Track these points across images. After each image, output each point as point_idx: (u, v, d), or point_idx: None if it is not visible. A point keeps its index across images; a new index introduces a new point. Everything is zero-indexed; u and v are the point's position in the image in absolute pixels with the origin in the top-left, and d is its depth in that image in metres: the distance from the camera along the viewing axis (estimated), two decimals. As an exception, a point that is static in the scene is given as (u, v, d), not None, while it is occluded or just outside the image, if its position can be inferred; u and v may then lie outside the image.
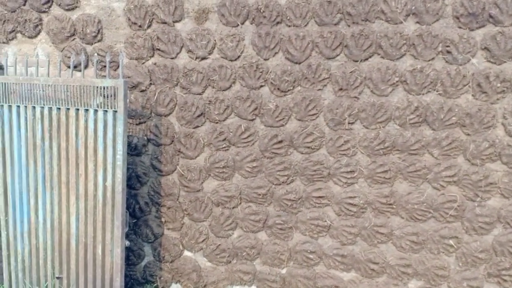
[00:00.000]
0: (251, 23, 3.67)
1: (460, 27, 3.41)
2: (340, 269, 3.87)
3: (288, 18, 3.59)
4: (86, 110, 3.41)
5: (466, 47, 3.40)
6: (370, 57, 3.56)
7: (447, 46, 3.42)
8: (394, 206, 3.71)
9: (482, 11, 3.34)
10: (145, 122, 3.94)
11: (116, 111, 3.34)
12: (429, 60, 3.48)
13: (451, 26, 3.42)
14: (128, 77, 3.89)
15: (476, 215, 3.60)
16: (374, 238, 3.78)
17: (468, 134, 3.52)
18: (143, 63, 3.88)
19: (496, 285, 3.67)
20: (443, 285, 3.74)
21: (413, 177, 3.65)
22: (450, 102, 3.50)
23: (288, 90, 3.70)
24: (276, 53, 3.67)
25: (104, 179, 3.43)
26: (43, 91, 3.49)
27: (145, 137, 3.97)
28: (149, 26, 3.82)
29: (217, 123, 3.84)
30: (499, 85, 3.40)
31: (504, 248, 3.59)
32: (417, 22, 3.46)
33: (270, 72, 3.69)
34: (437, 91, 3.51)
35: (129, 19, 3.83)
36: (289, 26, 3.61)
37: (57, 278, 3.65)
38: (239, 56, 3.72)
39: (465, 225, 3.63)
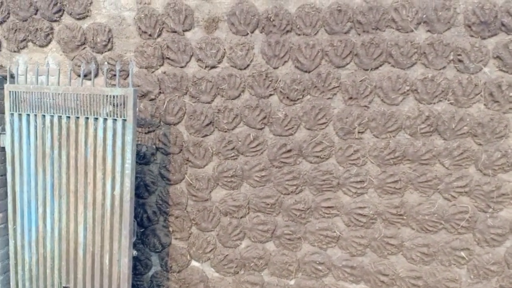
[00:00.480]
0: (261, 32, 3.64)
1: (472, 36, 3.36)
2: (349, 280, 3.79)
3: (298, 26, 3.55)
4: (96, 119, 3.38)
5: (478, 56, 3.34)
6: (380, 65, 3.51)
7: (459, 55, 3.37)
8: (405, 217, 3.63)
9: (494, 19, 3.29)
10: (154, 130, 3.91)
11: (125, 120, 3.30)
12: (440, 69, 3.43)
13: (462, 35, 3.37)
14: (138, 86, 3.86)
15: (488, 226, 3.51)
16: (384, 249, 3.70)
17: (480, 144, 3.44)
18: (153, 72, 3.85)
19: (509, 298, 3.57)
20: (455, 298, 3.65)
21: (424, 188, 3.57)
22: (462, 112, 3.43)
23: (298, 99, 3.65)
24: (285, 61, 3.63)
25: (113, 188, 3.38)
26: (53, 99, 3.47)
27: (154, 146, 3.93)
28: (159, 35, 3.80)
29: (225, 132, 3.80)
30: (511, 94, 3.33)
31: (517, 260, 3.51)
32: (428, 31, 3.41)
33: (280, 81, 3.65)
34: (448, 100, 3.45)
35: (139, 28, 3.81)
36: (299, 34, 3.57)
37: (64, 287, 3.60)
38: (248, 65, 3.68)
39: (477, 236, 3.55)
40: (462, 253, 3.58)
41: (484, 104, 3.42)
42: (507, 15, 3.27)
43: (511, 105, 3.36)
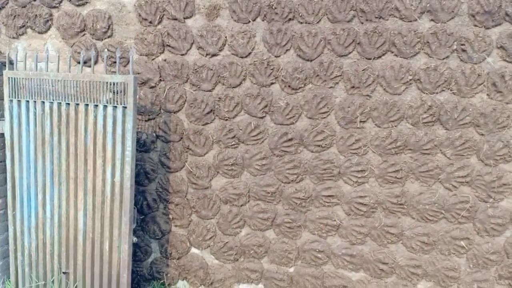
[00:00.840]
0: (263, 20, 3.59)
1: (475, 25, 3.32)
2: (348, 268, 3.80)
3: (300, 14, 3.51)
4: (96, 106, 3.36)
5: (481, 46, 3.31)
6: (383, 55, 3.47)
7: (462, 45, 3.33)
8: (405, 206, 3.63)
9: (499, 9, 3.24)
10: (154, 118, 3.88)
11: (125, 107, 3.28)
12: (443, 59, 3.39)
13: (466, 24, 3.33)
14: (138, 73, 3.83)
15: (489, 216, 3.51)
16: (384, 238, 3.70)
17: (482, 134, 3.43)
18: (153, 59, 3.82)
19: (507, 287, 3.58)
20: (453, 287, 3.67)
21: (425, 177, 3.57)
22: (464, 102, 3.41)
23: (299, 88, 3.62)
24: (287, 50, 3.59)
25: (113, 175, 3.37)
26: (52, 86, 3.44)
27: (154, 134, 3.91)
28: (159, 22, 3.76)
29: (226, 120, 3.78)
30: (515, 84, 3.32)
31: (516, 250, 3.51)
32: (432, 20, 3.36)
33: (281, 69, 3.61)
34: (451, 90, 3.42)
35: (139, 15, 3.76)
36: (301, 23, 3.53)
37: (64, 273, 3.61)
38: (250, 53, 3.65)
39: (477, 226, 3.55)
40: (462, 243, 3.59)
41: (487, 94, 3.39)
42: (511, 5, 3.23)
43: (514, 96, 3.35)
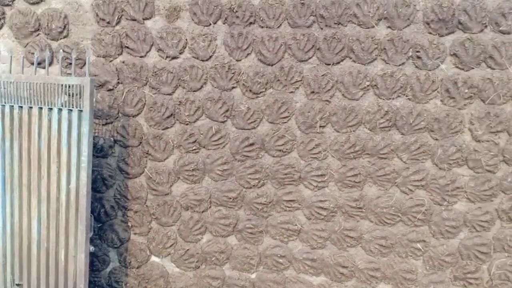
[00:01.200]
0: (224, 23, 3.59)
1: (430, 33, 3.43)
2: (309, 273, 3.82)
3: (261, 19, 3.52)
4: (50, 109, 3.26)
5: (435, 53, 3.42)
6: (342, 60, 3.53)
7: (417, 51, 3.44)
8: (364, 210, 3.69)
9: (452, 17, 3.37)
10: (112, 122, 3.79)
11: (81, 111, 3.20)
12: (399, 65, 3.49)
13: (421, 32, 3.44)
14: (95, 75, 3.73)
15: (443, 219, 3.62)
16: (344, 242, 3.75)
17: (436, 139, 3.54)
18: (111, 61, 3.73)
19: (462, 288, 3.70)
20: (411, 289, 3.75)
21: (382, 181, 3.64)
22: (419, 107, 3.51)
23: (260, 92, 3.63)
24: (248, 54, 3.60)
25: (68, 182, 3.27)
26: (4, 88, 3.31)
27: (112, 138, 3.81)
28: (117, 23, 3.68)
29: (187, 124, 3.73)
30: (466, 91, 3.44)
31: (469, 251, 3.62)
32: (389, 27, 3.46)
33: (242, 73, 3.61)
34: (406, 96, 3.52)
35: (97, 15, 3.68)
36: (262, 27, 3.55)
37: (17, 285, 3.45)
38: (210, 56, 3.63)
39: (432, 229, 3.65)
40: (418, 245, 3.67)
41: (441, 100, 3.51)
42: (464, 14, 3.36)
43: (466, 102, 3.47)
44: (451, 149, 3.52)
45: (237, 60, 3.61)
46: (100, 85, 3.75)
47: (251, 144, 3.69)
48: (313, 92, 3.57)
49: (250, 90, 3.62)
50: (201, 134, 3.71)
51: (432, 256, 3.68)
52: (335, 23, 3.48)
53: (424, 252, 3.69)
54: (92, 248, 3.44)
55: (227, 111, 3.67)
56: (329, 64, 3.54)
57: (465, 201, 3.59)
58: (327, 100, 3.58)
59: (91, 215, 3.41)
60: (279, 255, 3.81)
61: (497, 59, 3.39)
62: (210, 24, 3.59)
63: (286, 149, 3.68)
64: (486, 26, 3.39)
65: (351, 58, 3.52)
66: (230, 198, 3.77)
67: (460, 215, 3.60)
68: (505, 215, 3.57)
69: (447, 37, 3.43)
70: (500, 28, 3.37)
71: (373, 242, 3.71)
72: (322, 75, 3.53)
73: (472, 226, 3.60)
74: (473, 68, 3.43)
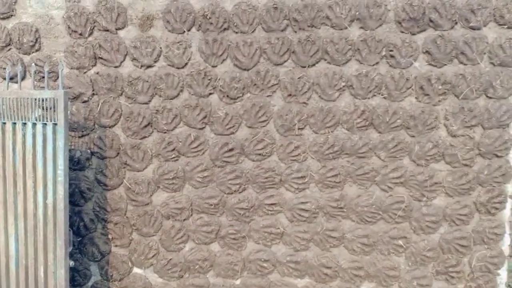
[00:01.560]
0: (198, 30, 3.59)
1: (402, 32, 3.51)
2: (294, 276, 3.83)
3: (235, 24, 3.54)
4: (24, 124, 3.20)
5: (408, 51, 3.50)
6: (317, 62, 3.58)
7: (391, 51, 3.51)
8: (345, 210, 3.73)
9: (423, 15, 3.45)
10: (88, 134, 3.74)
11: (56, 124, 3.15)
12: (373, 65, 3.55)
13: (393, 31, 3.51)
14: (69, 88, 3.68)
15: (423, 214, 3.68)
16: (327, 242, 3.77)
17: (413, 136, 3.61)
18: (85, 72, 3.69)
19: (444, 282, 3.76)
20: (394, 285, 3.79)
21: (362, 180, 3.69)
22: (395, 105, 3.58)
23: (238, 97, 3.64)
24: (224, 60, 3.61)
25: (45, 197, 3.21)
26: (-25, 104, 3.24)
27: (89, 150, 3.76)
28: (90, 34, 3.65)
29: (165, 133, 3.71)
30: (440, 87, 3.52)
31: (450, 245, 3.70)
32: (361, 28, 3.52)
33: (219, 79, 3.62)
34: (382, 95, 3.58)
35: (69, 27, 3.63)
36: (237, 32, 3.57)
37: (-5, 305, 3.37)
38: (186, 64, 3.62)
39: (413, 225, 3.71)
40: (400, 242, 3.73)
41: (416, 98, 3.58)
42: (434, 11, 3.45)
43: (440, 98, 3.55)
44: (427, 145, 3.59)
45: (213, 66, 3.62)
46: (75, 97, 3.70)
47: (231, 150, 3.69)
48: (290, 95, 3.60)
49: (227, 96, 3.63)
50: (180, 141, 3.70)
51: (414, 252, 3.74)
52: (308, 26, 3.52)
53: (406, 249, 3.74)
54: (72, 263, 3.38)
55: (205, 117, 3.66)
56: (305, 67, 3.58)
57: (444, 195, 3.67)
58: (304, 102, 3.62)
59: (69, 230, 3.36)
60: (263, 260, 3.81)
61: (468, 54, 3.49)
62: (184, 31, 3.59)
63: (266, 153, 3.69)
64: (456, 23, 3.49)
65: (326, 60, 3.57)
66: (212, 205, 3.77)
67: (439, 210, 3.68)
68: (483, 208, 3.65)
69: (419, 35, 3.51)
70: (470, 24, 3.47)
71: (356, 241, 3.75)
72: (298, 78, 3.57)
73: (451, 220, 3.68)
74: (445, 64, 3.52)
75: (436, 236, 3.72)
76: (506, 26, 3.47)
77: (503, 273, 3.75)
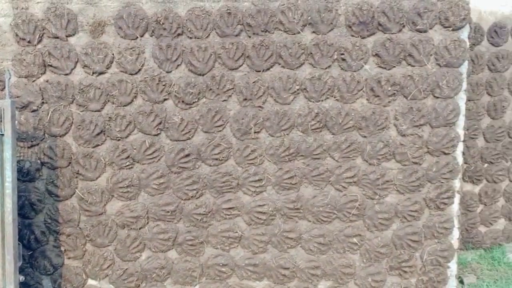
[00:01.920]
0: (151, 35, 3.61)
1: (352, 36, 3.70)
2: (252, 278, 3.92)
3: (189, 30, 3.60)
4: (-31, 135, 3.10)
5: (359, 54, 3.69)
6: (271, 67, 3.70)
7: (342, 54, 3.68)
8: (301, 210, 3.87)
9: (372, 19, 3.66)
10: (38, 144, 3.66)
11: (2, 135, 3.07)
12: (326, 68, 3.71)
13: (344, 35, 3.70)
14: (17, 97, 3.59)
15: (376, 212, 3.88)
16: (284, 243, 3.89)
17: (365, 136, 3.80)
18: (34, 81, 3.61)
19: (398, 277, 3.98)
20: (350, 283, 3.97)
21: (317, 181, 3.84)
22: (347, 107, 3.76)
23: (193, 102, 3.69)
24: (178, 65, 3.65)
25: (-7, 210, 3.13)
26: None
27: (39, 161, 3.68)
28: (39, 42, 3.58)
29: (119, 140, 3.70)
30: (389, 88, 3.73)
31: (402, 241, 3.92)
32: (314, 32, 3.68)
33: (174, 84, 3.65)
34: (334, 97, 3.76)
35: (16, 35, 3.55)
36: (191, 38, 3.62)
37: None
38: (139, 70, 3.63)
39: (366, 222, 3.90)
40: (355, 239, 3.91)
41: (367, 99, 3.78)
42: (383, 15, 3.66)
43: (390, 99, 3.76)
44: (379, 145, 3.80)
45: (167, 72, 3.65)
46: (23, 107, 3.61)
47: (187, 155, 3.73)
48: (245, 99, 3.70)
49: (183, 101, 3.67)
50: (134, 149, 3.70)
51: (368, 249, 3.93)
52: (262, 31, 3.63)
53: (360, 246, 3.93)
54: (22, 278, 3.29)
55: (160, 123, 3.68)
56: (260, 71, 3.69)
57: (395, 193, 3.89)
58: (259, 106, 3.72)
59: (19, 244, 3.27)
60: (221, 264, 3.88)
61: (416, 56, 3.73)
62: (137, 37, 3.60)
63: (223, 157, 3.76)
64: (404, 26, 3.72)
65: (280, 64, 3.69)
66: (168, 212, 3.79)
67: (391, 207, 3.89)
68: (433, 204, 3.91)
69: (368, 39, 3.71)
70: (417, 27, 3.72)
71: (312, 241, 3.89)
72: (253, 82, 3.67)
73: (403, 216, 3.90)
74: (394, 66, 3.74)
75: (389, 232, 3.93)
76: (451, 29, 3.75)
77: (453, 266, 4.03)
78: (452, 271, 4.04)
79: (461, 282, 4.62)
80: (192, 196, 3.79)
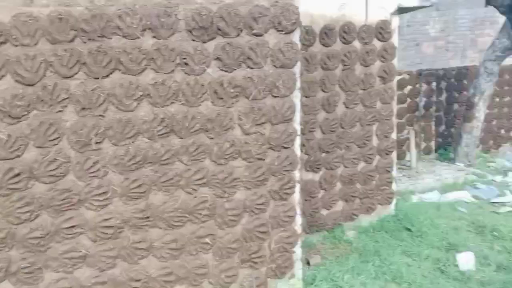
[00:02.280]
0: (-37, 45, 3.30)
1: (194, 40, 3.88)
2: (101, 297, 3.95)
3: (14, 37, 3.36)
4: None
5: (201, 58, 3.90)
6: (111, 73, 3.68)
7: (184, 58, 3.85)
8: (152, 219, 3.99)
9: (211, 24, 3.88)
10: None
11: None
12: (169, 73, 3.84)
13: (185, 39, 3.86)
14: None
15: (226, 209, 4.21)
16: (134, 255, 3.98)
17: (212, 138, 4.07)
18: None
19: (249, 268, 4.40)
20: (204, 283, 4.27)
21: (167, 186, 4.00)
22: (193, 111, 3.97)
23: (22, 116, 3.49)
24: (3, 76, 3.38)
25: None
26: None
27: None
28: None
29: None
30: (232, 90, 4.04)
31: (251, 234, 4.33)
32: (154, 37, 3.76)
33: (-3, 98, 3.41)
34: (180, 102, 3.92)
35: None
36: (16, 45, 3.39)
37: None
38: (-47, 84, 3.30)
39: (217, 221, 4.21)
40: (207, 239, 4.19)
41: (211, 102, 4.03)
42: (221, 20, 3.90)
43: (233, 100, 4.07)
44: (225, 145, 4.11)
45: (-10, 84, 3.39)
46: None
47: (17, 175, 3.53)
48: (84, 108, 3.63)
49: (9, 115, 3.45)
50: (-48, 174, 3.38)
51: (220, 247, 4.25)
52: (98, 36, 3.58)
53: (213, 245, 4.23)
54: None
55: (-18, 143, 3.42)
56: (98, 78, 3.65)
57: (243, 189, 4.27)
58: (100, 115, 3.70)
59: None
60: (64, 288, 3.81)
61: (254, 59, 4.09)
62: None
63: (60, 173, 3.66)
64: (241, 31, 4.03)
65: (120, 70, 3.70)
66: (-4, 241, 3.57)
67: (240, 203, 4.27)
68: (277, 195, 4.40)
69: (209, 43, 3.94)
70: (253, 31, 4.07)
71: (164, 247, 4.05)
72: (92, 90, 3.62)
73: (251, 210, 4.31)
74: (235, 69, 4.05)
75: (239, 227, 4.31)
76: (284, 32, 4.19)
77: (298, 250, 4.62)
78: (298, 255, 4.63)
79: (308, 263, 5.33)
80: (25, 219, 3.61)
